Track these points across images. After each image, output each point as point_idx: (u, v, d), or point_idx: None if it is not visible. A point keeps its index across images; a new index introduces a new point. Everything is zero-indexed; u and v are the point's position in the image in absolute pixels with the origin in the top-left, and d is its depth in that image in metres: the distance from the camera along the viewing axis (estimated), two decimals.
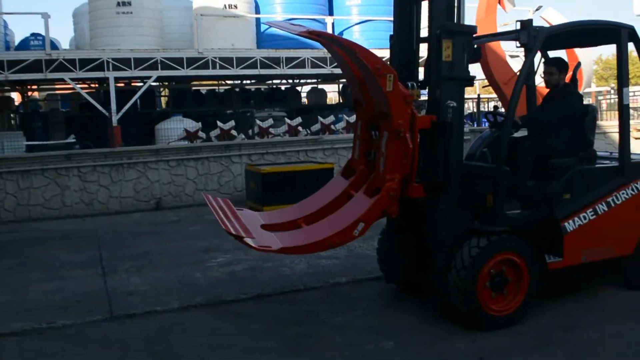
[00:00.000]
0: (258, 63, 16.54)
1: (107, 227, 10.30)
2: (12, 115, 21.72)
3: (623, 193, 5.75)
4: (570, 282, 5.94)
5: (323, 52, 16.75)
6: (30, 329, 5.56)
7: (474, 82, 5.44)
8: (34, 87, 21.37)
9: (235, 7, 17.69)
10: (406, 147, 5.01)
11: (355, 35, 18.15)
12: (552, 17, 14.80)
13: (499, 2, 14.17)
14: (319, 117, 16.29)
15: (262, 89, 24.06)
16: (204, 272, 7.20)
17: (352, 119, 15.25)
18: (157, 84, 21.26)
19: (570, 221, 5.49)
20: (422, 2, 5.66)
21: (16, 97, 23.92)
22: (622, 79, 5.70)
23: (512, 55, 16.05)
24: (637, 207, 5.82)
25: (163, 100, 26.18)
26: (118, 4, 16.78)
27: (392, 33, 5.77)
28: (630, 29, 5.70)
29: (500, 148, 5.27)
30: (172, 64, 15.00)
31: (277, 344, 5.06)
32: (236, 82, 22.39)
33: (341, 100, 24.39)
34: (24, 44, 18.96)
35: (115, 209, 11.67)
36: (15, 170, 11.09)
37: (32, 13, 15.59)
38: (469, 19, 16.30)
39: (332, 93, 27.14)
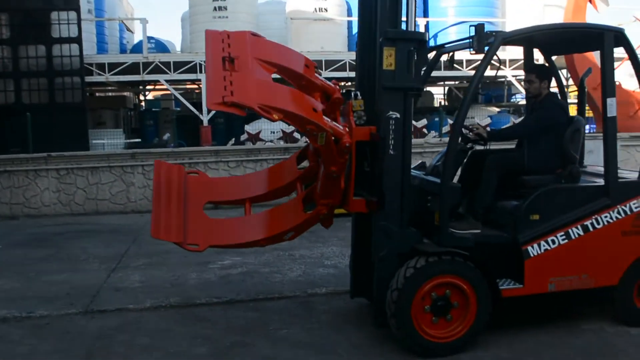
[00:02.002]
0: (347, 65, 16.63)
1: None
2: (130, 113, 23.35)
3: (606, 216, 5.11)
4: (555, 312, 5.45)
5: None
6: (11, 317, 5.97)
7: (421, 92, 5.09)
8: (147, 87, 22.83)
9: (326, 10, 17.86)
10: (338, 187, 4.88)
11: (452, 37, 17.63)
12: None
13: (590, 1, 13.06)
14: None
15: None
16: (201, 273, 7.34)
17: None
18: None
19: (535, 245, 4.96)
20: None
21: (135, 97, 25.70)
22: (607, 89, 5.07)
23: None
24: (624, 233, 5.14)
25: None
26: (215, 8, 17.62)
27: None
28: (617, 32, 5.05)
29: (446, 162, 4.89)
30: None
31: (208, 351, 5.06)
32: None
33: (446, 103, 23.71)
34: (138, 47, 20.44)
35: None
36: (85, 166, 11.93)
37: (134, 19, 16.66)
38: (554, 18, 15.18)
39: (439, 95, 26.61)
